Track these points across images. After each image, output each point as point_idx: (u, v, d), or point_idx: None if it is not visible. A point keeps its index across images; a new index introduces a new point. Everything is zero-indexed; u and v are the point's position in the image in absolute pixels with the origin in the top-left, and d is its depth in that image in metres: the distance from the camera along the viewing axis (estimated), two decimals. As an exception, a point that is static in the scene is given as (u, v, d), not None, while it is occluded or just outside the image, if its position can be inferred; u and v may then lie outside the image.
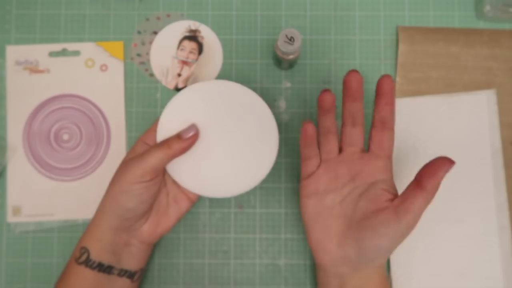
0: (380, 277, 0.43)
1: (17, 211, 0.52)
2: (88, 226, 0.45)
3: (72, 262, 0.44)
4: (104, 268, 0.44)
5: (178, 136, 0.44)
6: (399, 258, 0.51)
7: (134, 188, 0.42)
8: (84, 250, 0.44)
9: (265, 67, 0.54)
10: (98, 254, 0.44)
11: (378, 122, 0.43)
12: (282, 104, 0.53)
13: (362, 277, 0.42)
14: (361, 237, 0.41)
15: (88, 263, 0.43)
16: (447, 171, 0.39)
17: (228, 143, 0.45)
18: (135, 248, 0.46)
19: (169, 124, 0.45)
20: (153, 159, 0.43)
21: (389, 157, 0.43)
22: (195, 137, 0.44)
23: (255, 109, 0.45)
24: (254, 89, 0.53)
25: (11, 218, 0.52)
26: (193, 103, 0.45)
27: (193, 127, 0.44)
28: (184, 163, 0.45)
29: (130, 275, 0.46)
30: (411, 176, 0.51)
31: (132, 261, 0.46)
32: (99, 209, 0.45)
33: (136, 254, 0.46)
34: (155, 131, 0.46)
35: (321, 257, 0.43)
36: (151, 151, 0.43)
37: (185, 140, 0.44)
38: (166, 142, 0.44)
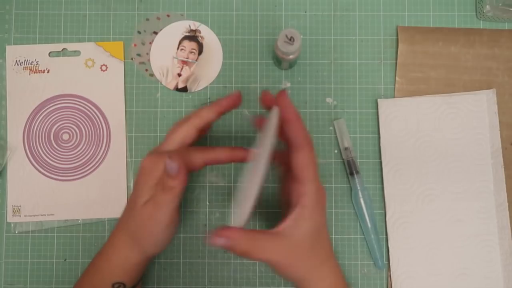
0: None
1: (17, 211, 0.52)
2: (117, 263, 0.45)
3: None
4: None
5: (167, 174, 0.42)
6: (399, 258, 0.51)
7: (171, 225, 0.44)
8: (119, 285, 0.44)
9: (265, 67, 0.54)
10: (133, 282, 0.45)
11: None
12: (282, 104, 0.53)
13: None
14: None
15: None
16: None
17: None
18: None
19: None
20: (169, 203, 0.43)
21: None
22: (180, 169, 0.42)
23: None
24: (254, 89, 0.53)
25: (11, 218, 0.52)
26: None
27: (171, 163, 0.42)
28: None
29: (141, 278, 0.48)
30: (411, 176, 0.52)
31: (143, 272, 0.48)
32: (134, 253, 0.45)
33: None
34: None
35: None
36: (160, 198, 0.43)
37: (176, 175, 0.42)
38: (163, 184, 0.43)
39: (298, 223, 0.41)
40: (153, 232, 0.44)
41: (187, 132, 0.45)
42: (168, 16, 0.54)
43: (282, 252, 0.40)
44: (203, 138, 0.53)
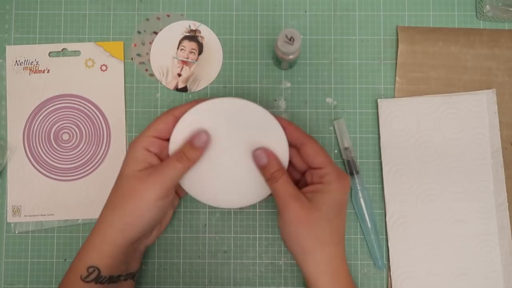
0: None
1: (17, 211, 0.52)
2: (93, 244, 0.43)
3: (76, 280, 0.43)
4: (113, 279, 0.44)
5: (191, 145, 0.43)
6: (399, 258, 0.51)
7: (160, 204, 0.43)
8: (93, 269, 0.43)
9: (265, 67, 0.54)
10: (109, 270, 0.43)
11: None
12: (282, 104, 0.53)
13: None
14: None
15: (98, 280, 0.43)
16: None
17: (238, 158, 0.45)
18: (139, 252, 0.47)
19: (181, 137, 0.44)
20: (175, 173, 0.42)
21: None
22: (208, 143, 0.44)
23: (267, 126, 0.44)
24: (254, 89, 0.53)
25: (11, 218, 0.52)
26: (205, 118, 0.44)
27: (203, 133, 0.44)
28: (195, 175, 0.45)
29: (133, 276, 0.47)
30: (411, 176, 0.52)
31: (135, 263, 0.47)
32: (111, 227, 0.43)
33: (139, 256, 0.48)
34: (151, 136, 0.44)
35: None
36: (170, 164, 0.42)
37: (200, 148, 0.43)
38: (182, 153, 0.43)
39: (317, 195, 0.42)
40: (139, 204, 0.42)
41: (165, 121, 0.45)
42: (168, 16, 0.54)
43: (296, 207, 0.42)
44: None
